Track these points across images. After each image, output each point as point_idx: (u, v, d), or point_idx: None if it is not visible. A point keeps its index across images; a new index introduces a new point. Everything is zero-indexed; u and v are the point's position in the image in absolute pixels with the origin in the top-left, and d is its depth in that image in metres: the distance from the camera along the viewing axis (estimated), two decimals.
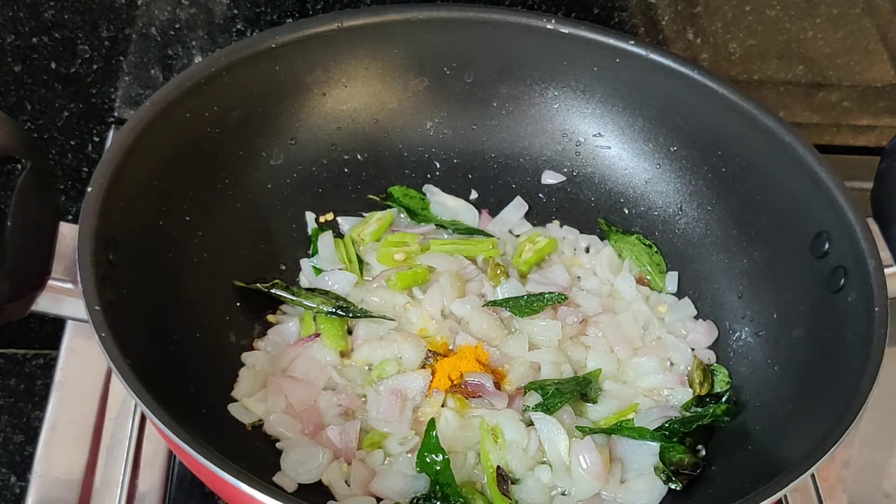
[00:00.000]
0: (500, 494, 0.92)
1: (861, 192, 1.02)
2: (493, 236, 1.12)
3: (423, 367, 0.99)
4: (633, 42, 1.09)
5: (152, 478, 1.00)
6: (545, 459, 0.96)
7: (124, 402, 1.04)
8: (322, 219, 1.12)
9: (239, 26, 1.19)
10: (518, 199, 1.15)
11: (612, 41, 1.09)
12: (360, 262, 1.09)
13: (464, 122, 1.16)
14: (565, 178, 1.16)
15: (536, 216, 1.16)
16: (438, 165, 1.16)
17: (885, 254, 0.96)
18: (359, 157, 1.13)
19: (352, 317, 1.03)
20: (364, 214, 1.13)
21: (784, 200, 1.04)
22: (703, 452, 0.98)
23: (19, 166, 0.86)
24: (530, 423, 0.97)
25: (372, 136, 1.13)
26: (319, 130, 1.11)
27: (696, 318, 1.09)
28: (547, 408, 0.97)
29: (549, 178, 1.16)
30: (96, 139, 1.26)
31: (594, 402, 1.01)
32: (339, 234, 1.11)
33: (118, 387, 1.02)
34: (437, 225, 1.13)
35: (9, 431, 1.33)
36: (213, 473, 0.77)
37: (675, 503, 0.95)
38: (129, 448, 1.01)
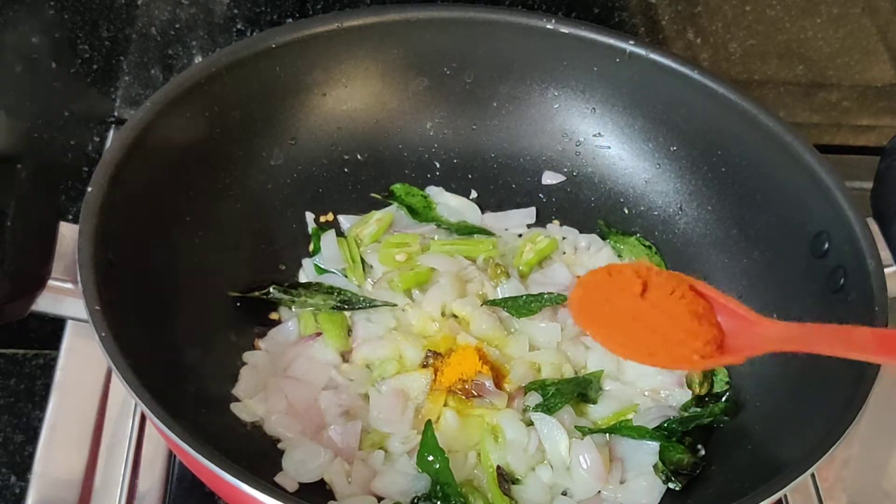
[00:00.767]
0: (501, 494, 0.92)
1: (861, 192, 1.02)
2: (493, 235, 1.12)
3: (424, 366, 0.99)
4: (633, 42, 1.09)
5: (152, 478, 1.00)
6: (545, 459, 0.96)
7: (124, 402, 1.04)
8: (322, 219, 1.12)
9: (239, 26, 1.19)
10: (532, 209, 1.15)
11: (612, 41, 1.09)
12: (363, 262, 1.09)
13: (464, 122, 1.16)
14: (565, 178, 1.16)
15: (537, 216, 1.16)
16: (438, 165, 1.16)
17: (885, 254, 0.96)
18: (359, 157, 1.13)
19: (357, 308, 1.03)
20: (365, 214, 1.13)
21: (784, 200, 1.04)
22: (703, 452, 0.98)
23: (19, 166, 0.86)
24: (530, 423, 0.97)
25: (372, 136, 1.14)
26: (319, 130, 1.11)
27: None
28: (547, 408, 0.97)
29: (549, 178, 1.16)
30: (96, 139, 1.26)
31: (594, 402, 1.01)
32: (340, 234, 1.11)
33: (118, 387, 1.02)
34: (437, 225, 1.13)
35: (9, 431, 1.33)
36: (214, 473, 0.77)
37: (675, 503, 0.95)
38: (129, 448, 1.01)
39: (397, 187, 1.14)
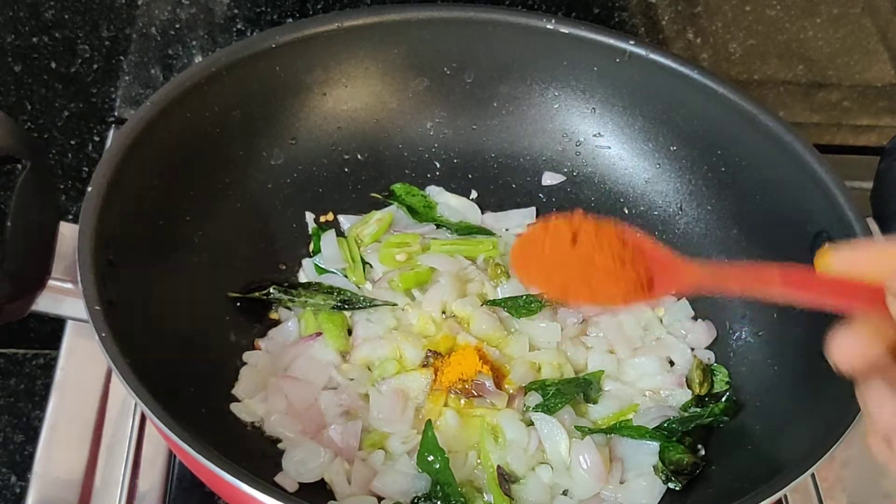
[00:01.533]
0: (501, 494, 0.92)
1: (861, 192, 1.02)
2: (494, 234, 1.12)
3: (424, 366, 0.99)
4: (633, 42, 1.09)
5: (152, 478, 1.00)
6: (546, 459, 0.96)
7: (124, 402, 1.04)
8: (322, 219, 1.12)
9: (239, 26, 1.19)
10: (532, 209, 1.15)
11: (612, 41, 1.09)
12: (363, 262, 1.09)
13: (464, 122, 1.16)
14: (565, 178, 1.16)
15: (536, 216, 1.16)
16: (438, 165, 1.16)
17: None
18: (359, 156, 1.13)
19: (357, 308, 1.03)
20: (365, 214, 1.13)
21: (784, 200, 1.04)
22: (703, 452, 0.98)
23: (19, 166, 0.86)
24: (530, 423, 0.97)
25: (372, 136, 1.13)
26: (319, 130, 1.11)
27: (696, 318, 1.09)
28: (547, 408, 0.97)
29: (549, 179, 1.16)
30: (96, 139, 1.26)
31: (594, 402, 1.01)
32: (340, 234, 1.11)
33: (118, 387, 1.02)
34: (437, 225, 1.13)
35: (9, 431, 1.33)
36: (214, 473, 0.77)
37: (675, 503, 0.95)
38: (129, 448, 1.01)
39: (397, 187, 1.14)
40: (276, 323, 1.05)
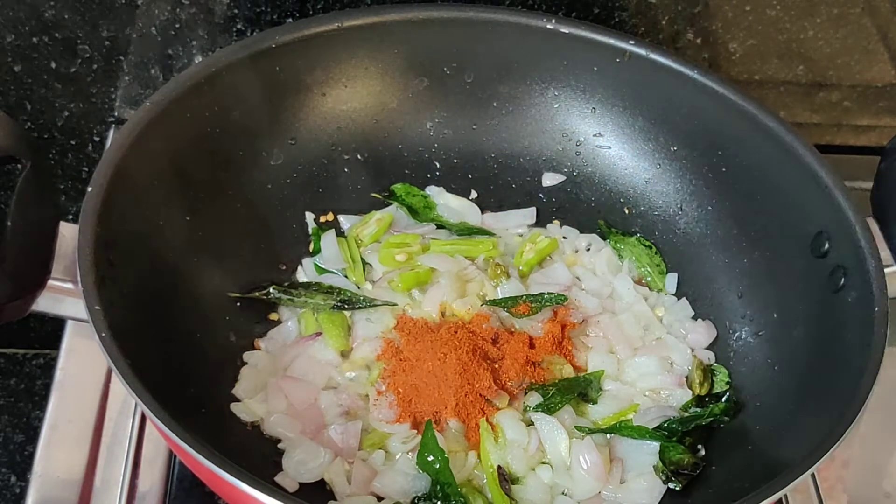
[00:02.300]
0: (501, 494, 0.92)
1: (861, 192, 1.02)
2: (494, 235, 1.12)
3: None
4: (633, 42, 1.09)
5: (152, 478, 1.00)
6: (546, 459, 0.96)
7: (124, 402, 1.04)
8: (322, 219, 1.12)
9: (239, 26, 1.19)
10: (532, 209, 1.15)
11: (612, 41, 1.09)
12: (363, 262, 1.09)
13: (464, 122, 1.16)
14: (565, 178, 1.16)
15: (537, 216, 1.16)
16: (438, 165, 1.16)
17: (885, 254, 0.96)
18: (359, 157, 1.13)
19: (357, 308, 1.03)
20: (365, 214, 1.13)
21: (784, 200, 1.04)
22: (703, 452, 0.98)
23: (19, 166, 0.86)
24: (530, 423, 0.97)
25: (372, 136, 1.14)
26: (319, 130, 1.11)
27: (696, 318, 1.09)
28: (548, 408, 0.97)
29: (549, 180, 1.16)
30: (96, 139, 1.26)
31: (594, 402, 1.01)
32: (340, 233, 1.11)
33: (118, 387, 1.02)
34: (437, 225, 1.13)
35: (9, 431, 1.33)
36: (214, 473, 0.77)
37: (675, 503, 0.95)
38: (129, 448, 1.01)
39: (397, 187, 1.14)
40: (276, 323, 1.05)
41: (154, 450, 1.01)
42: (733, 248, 1.09)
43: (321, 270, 1.08)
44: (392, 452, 0.95)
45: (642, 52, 1.08)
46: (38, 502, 0.97)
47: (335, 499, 0.92)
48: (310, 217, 1.11)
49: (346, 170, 1.13)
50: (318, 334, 1.02)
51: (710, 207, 1.11)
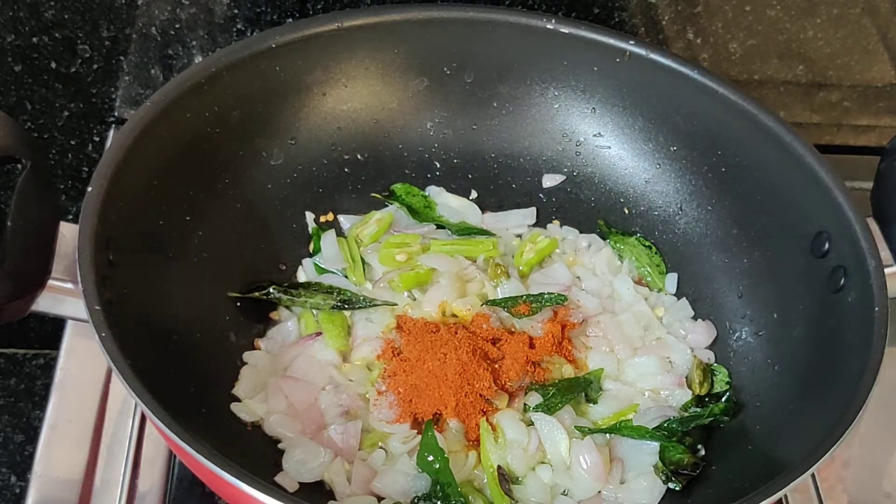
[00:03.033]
0: (501, 494, 0.92)
1: (861, 192, 1.02)
2: (494, 235, 1.12)
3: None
4: (633, 42, 1.09)
5: (152, 478, 1.00)
6: (546, 459, 0.96)
7: (124, 402, 1.04)
8: (322, 219, 1.12)
9: (239, 26, 1.19)
10: (532, 209, 1.15)
11: (612, 41, 1.09)
12: (363, 262, 1.09)
13: (464, 122, 1.16)
14: (565, 178, 1.16)
15: (537, 216, 1.16)
16: (438, 165, 1.16)
17: (885, 254, 0.96)
18: (359, 157, 1.13)
19: (357, 308, 1.03)
20: (365, 214, 1.13)
21: (784, 200, 1.04)
22: (703, 452, 0.98)
23: (19, 166, 0.86)
24: (530, 423, 0.97)
25: (372, 136, 1.13)
26: (319, 130, 1.11)
27: (696, 318, 1.09)
28: (548, 408, 0.97)
29: (549, 181, 1.16)
30: (96, 139, 1.26)
31: (595, 402, 1.01)
32: (340, 233, 1.11)
33: (118, 387, 1.02)
34: (437, 225, 1.13)
35: (9, 431, 1.33)
36: (214, 473, 0.77)
37: (675, 503, 0.95)
38: (129, 448, 1.01)
39: (398, 187, 1.14)
40: (276, 323, 1.05)
41: (154, 450, 1.01)
42: (733, 248, 1.09)
43: (321, 270, 1.08)
44: (392, 452, 0.95)
45: (642, 52, 1.08)
46: (38, 502, 0.97)
47: (335, 499, 0.92)
48: (310, 217, 1.11)
49: (346, 170, 1.13)
50: (318, 334, 1.02)
51: (710, 207, 1.11)
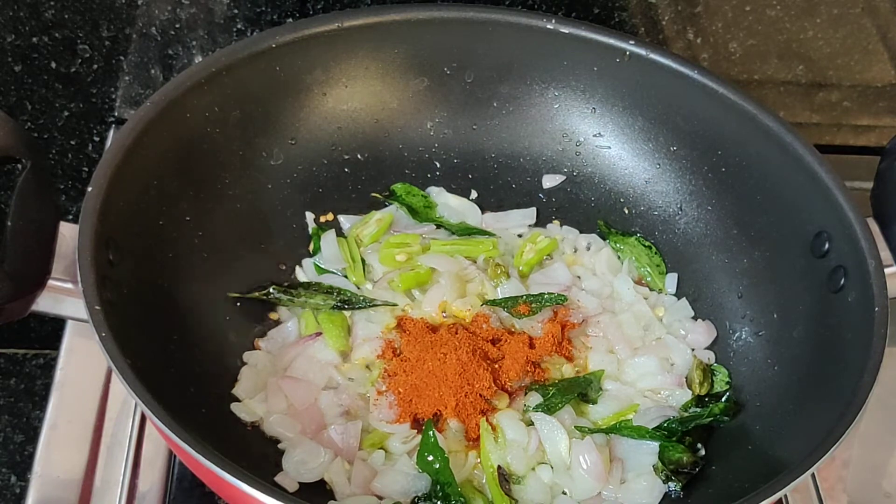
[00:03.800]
0: (501, 494, 0.92)
1: (861, 192, 1.02)
2: (494, 236, 1.12)
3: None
4: (633, 42, 1.09)
5: (152, 478, 1.00)
6: (546, 459, 0.96)
7: (124, 402, 1.04)
8: (322, 219, 1.12)
9: (239, 26, 1.19)
10: (532, 209, 1.15)
11: (612, 41, 1.09)
12: (363, 262, 1.09)
13: (464, 122, 1.16)
14: (565, 178, 1.16)
15: (537, 216, 1.16)
16: (438, 165, 1.16)
17: (885, 254, 0.96)
18: (359, 156, 1.13)
19: (357, 308, 1.03)
20: (365, 214, 1.13)
21: (784, 200, 1.04)
22: (703, 452, 0.98)
23: (19, 166, 0.87)
24: (530, 423, 0.97)
25: (372, 136, 1.13)
26: (319, 130, 1.11)
27: (696, 318, 1.09)
28: (547, 408, 0.97)
29: (549, 181, 1.16)
30: (96, 139, 1.26)
31: (594, 402, 1.01)
32: (340, 234, 1.11)
33: (118, 387, 1.02)
34: (437, 225, 1.13)
35: (9, 431, 1.33)
36: (214, 473, 0.77)
37: (676, 503, 0.95)
38: (129, 448, 1.01)
39: (398, 187, 1.14)
40: (276, 323, 1.05)
41: (154, 450, 1.01)
42: (733, 248, 1.09)
43: (321, 270, 1.08)
44: (392, 452, 0.95)
45: (642, 52, 1.08)
46: (38, 502, 0.97)
47: (335, 499, 0.92)
48: (310, 217, 1.11)
49: (346, 170, 1.13)
50: (318, 334, 1.02)
51: (710, 207, 1.11)
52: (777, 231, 1.05)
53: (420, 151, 1.16)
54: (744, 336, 1.06)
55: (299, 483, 0.92)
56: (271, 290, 1.04)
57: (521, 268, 1.10)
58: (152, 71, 1.22)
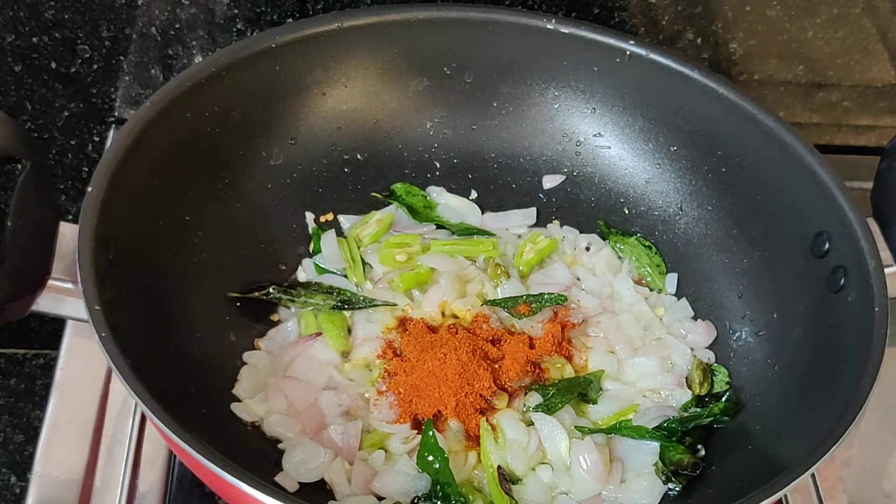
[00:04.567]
0: (501, 494, 0.92)
1: (861, 192, 1.02)
2: (494, 236, 1.12)
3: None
4: (633, 42, 1.09)
5: (152, 478, 1.00)
6: (546, 459, 0.96)
7: (124, 402, 1.04)
8: (322, 219, 1.12)
9: (239, 26, 1.19)
10: (532, 209, 1.15)
11: (612, 41, 1.09)
12: (363, 262, 1.09)
13: (464, 122, 1.16)
14: (565, 178, 1.16)
15: (537, 216, 1.16)
16: (438, 165, 1.16)
17: (885, 254, 0.96)
18: (359, 157, 1.13)
19: (357, 308, 1.03)
20: (365, 214, 1.13)
21: (784, 200, 1.04)
22: (703, 452, 0.98)
23: (19, 166, 0.87)
24: (530, 423, 0.97)
25: (372, 136, 1.14)
26: (319, 130, 1.11)
27: (696, 318, 1.09)
28: (547, 408, 0.97)
29: (549, 182, 1.16)
30: (96, 139, 1.26)
31: (594, 402, 1.01)
32: (340, 234, 1.11)
33: (118, 387, 1.02)
34: (437, 225, 1.13)
35: (9, 431, 1.33)
36: (214, 473, 0.77)
37: (675, 503, 0.95)
38: (129, 448, 1.01)
39: (398, 187, 1.14)
40: (276, 323, 1.05)
41: (154, 450, 1.01)
42: (733, 248, 1.09)
43: (321, 270, 1.08)
44: (392, 452, 0.95)
45: (642, 52, 1.08)
46: (38, 502, 0.97)
47: (335, 499, 0.92)
48: (310, 217, 1.11)
49: (346, 170, 1.13)
50: (318, 334, 1.02)
51: (710, 207, 1.11)
52: (777, 231, 1.05)
53: (420, 151, 1.16)
54: (744, 336, 1.06)
55: (299, 483, 0.92)
56: (271, 290, 1.04)
57: (521, 268, 1.10)
58: (152, 71, 1.22)
